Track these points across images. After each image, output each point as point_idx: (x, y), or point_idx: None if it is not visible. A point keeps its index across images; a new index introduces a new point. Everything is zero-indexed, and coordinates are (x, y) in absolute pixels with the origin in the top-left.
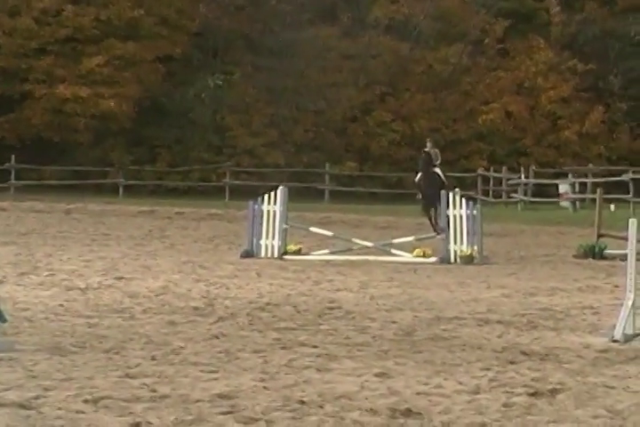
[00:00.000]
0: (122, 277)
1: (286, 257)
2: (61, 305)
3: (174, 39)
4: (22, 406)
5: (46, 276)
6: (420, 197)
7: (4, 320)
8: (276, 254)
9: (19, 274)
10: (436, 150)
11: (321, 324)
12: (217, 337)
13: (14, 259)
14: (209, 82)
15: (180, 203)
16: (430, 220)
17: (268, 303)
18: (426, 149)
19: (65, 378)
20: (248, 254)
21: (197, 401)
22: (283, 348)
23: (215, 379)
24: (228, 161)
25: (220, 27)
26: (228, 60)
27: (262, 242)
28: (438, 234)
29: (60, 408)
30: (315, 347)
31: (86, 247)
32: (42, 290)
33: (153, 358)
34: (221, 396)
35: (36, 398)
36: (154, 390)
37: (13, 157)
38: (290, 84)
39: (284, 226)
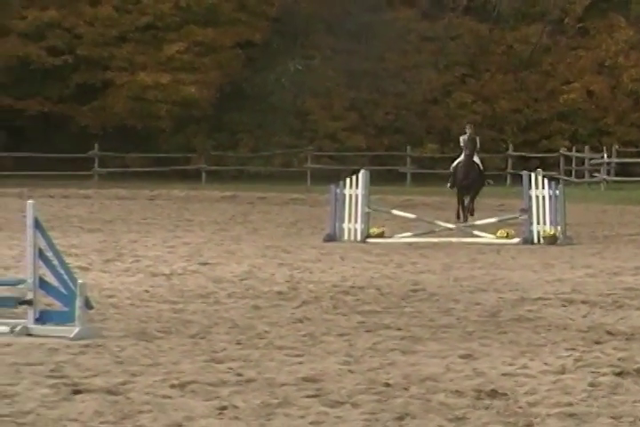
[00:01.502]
0: (206, 263)
1: (369, 240)
2: (147, 291)
3: (254, 25)
4: (110, 392)
5: (131, 262)
6: (450, 185)
7: (91, 307)
8: (358, 238)
9: (104, 261)
10: (477, 138)
11: (405, 306)
12: (301, 321)
13: (99, 246)
14: (289, 66)
15: (262, 188)
16: (461, 207)
17: (351, 287)
18: (464, 137)
19: (152, 363)
20: (331, 238)
21: (283, 385)
22: (367, 331)
23: (300, 363)
24: (309, 145)
25: (298, 11)
26: (307, 45)
27: (345, 226)
28: (465, 220)
29: (147, 393)
30: (399, 329)
31: (170, 233)
32: (127, 276)
33: (238, 343)
34: (307, 379)
35: (124, 383)
36: (240, 374)
37: (97, 145)
38: (369, 67)
39: (367, 209)
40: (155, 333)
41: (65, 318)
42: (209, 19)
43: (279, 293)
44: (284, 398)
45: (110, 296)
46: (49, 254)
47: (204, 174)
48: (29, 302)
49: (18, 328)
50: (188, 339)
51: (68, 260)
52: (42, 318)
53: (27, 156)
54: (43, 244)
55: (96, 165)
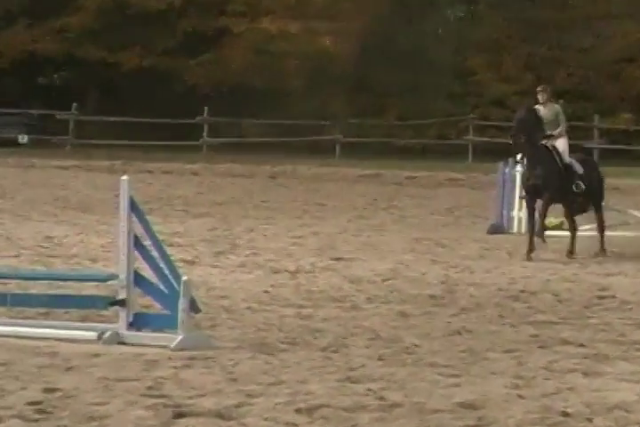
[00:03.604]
0: (340, 258)
1: (546, 233)
2: (267, 292)
3: None
4: (221, 416)
5: (248, 256)
6: (523, 193)
7: (198, 310)
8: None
9: (214, 253)
10: (556, 106)
11: (589, 317)
12: (459, 333)
13: (209, 235)
14: (448, 14)
15: (411, 165)
16: (531, 231)
17: (522, 291)
18: (539, 107)
19: (273, 382)
20: (497, 230)
21: (436, 412)
22: (541, 347)
23: (457, 384)
24: (471, 113)
25: None
26: None
27: (514, 214)
28: (540, 238)
29: (266, 419)
30: (581, 346)
31: (296, 220)
32: (243, 273)
33: (380, 358)
34: (465, 405)
35: (238, 406)
36: (382, 398)
37: (207, 108)
38: (550, 16)
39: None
40: (277, 344)
41: (165, 324)
42: None
43: (432, 297)
44: None
45: (222, 297)
46: (147, 244)
47: (338, 147)
48: (122, 303)
49: (107, 335)
50: (317, 352)
51: (170, 251)
52: (137, 323)
53: (120, 121)
54: (139, 230)
55: (205, 133)
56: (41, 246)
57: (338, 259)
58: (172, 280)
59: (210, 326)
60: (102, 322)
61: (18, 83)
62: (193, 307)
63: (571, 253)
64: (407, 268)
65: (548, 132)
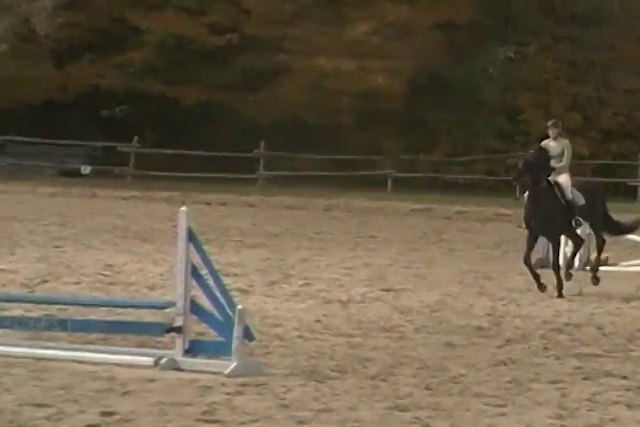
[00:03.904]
0: (390, 289)
1: (589, 268)
2: (319, 321)
3: (457, 3)
4: None
5: (301, 285)
6: (524, 225)
7: (252, 338)
8: (576, 265)
9: (268, 283)
10: (566, 141)
11: (631, 350)
12: (505, 364)
13: (263, 265)
14: (499, 54)
15: (461, 200)
16: (530, 266)
17: (566, 324)
18: (547, 142)
19: (323, 409)
20: (543, 264)
21: None
22: (585, 378)
23: (503, 414)
24: (519, 150)
25: None
26: (522, 29)
27: (560, 250)
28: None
29: None
30: (624, 378)
31: (349, 252)
32: (295, 302)
33: (427, 388)
34: None
35: None
36: (428, 426)
37: (263, 142)
38: (597, 58)
39: (587, 230)
40: (327, 372)
41: (220, 350)
42: None
43: (478, 328)
44: None
45: (275, 326)
46: (203, 273)
47: (390, 181)
48: (178, 330)
49: (164, 361)
50: (367, 380)
51: (225, 280)
52: (192, 350)
53: (179, 153)
54: (196, 260)
55: (261, 166)
56: (101, 274)
57: (388, 290)
58: (228, 308)
59: (263, 354)
60: (159, 348)
61: (82, 116)
62: (247, 335)
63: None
64: (455, 299)
65: (553, 166)
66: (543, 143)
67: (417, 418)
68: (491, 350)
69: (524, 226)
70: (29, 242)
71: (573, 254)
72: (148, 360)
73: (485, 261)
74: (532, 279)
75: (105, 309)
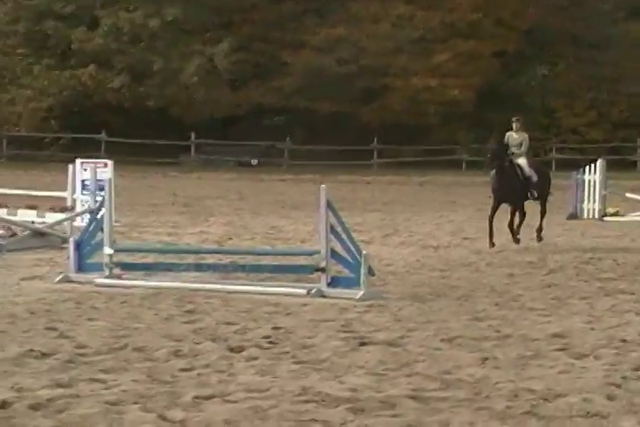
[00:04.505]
0: (468, 237)
1: (606, 219)
2: (418, 260)
3: (508, 37)
4: (390, 345)
5: (405, 237)
6: (491, 195)
7: (373, 274)
8: (596, 216)
9: (383, 236)
10: (525, 134)
11: (638, 274)
12: (549, 286)
13: (379, 223)
14: (537, 72)
15: None
16: (491, 227)
17: (591, 258)
18: (511, 133)
19: (425, 321)
20: (573, 216)
21: (535, 340)
22: (606, 295)
23: (549, 321)
24: (554, 138)
25: (546, 24)
26: (553, 53)
27: (584, 206)
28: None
29: (421, 346)
30: (632, 294)
31: (437, 213)
32: (402, 248)
33: (496, 304)
34: (555, 335)
35: (402, 337)
36: (498, 331)
37: (376, 138)
38: (608, 73)
39: (603, 192)
40: (426, 295)
41: (352, 283)
42: (470, 32)
43: (530, 262)
44: (536, 351)
45: (388, 265)
46: (338, 230)
47: (464, 164)
48: (323, 270)
49: (313, 291)
50: (454, 301)
51: (353, 235)
52: (333, 283)
53: (319, 148)
54: (333, 221)
55: (375, 156)
56: (268, 233)
57: (466, 238)
58: (356, 254)
59: (381, 284)
60: (310, 282)
61: (250, 124)
62: (370, 272)
63: (539, 231)
64: (513, 243)
65: (514, 151)
66: (507, 134)
67: (490, 326)
68: (539, 277)
69: (490, 195)
70: (218, 212)
71: (520, 223)
72: (303, 291)
73: (533, 215)
74: (566, 228)
75: (271, 256)
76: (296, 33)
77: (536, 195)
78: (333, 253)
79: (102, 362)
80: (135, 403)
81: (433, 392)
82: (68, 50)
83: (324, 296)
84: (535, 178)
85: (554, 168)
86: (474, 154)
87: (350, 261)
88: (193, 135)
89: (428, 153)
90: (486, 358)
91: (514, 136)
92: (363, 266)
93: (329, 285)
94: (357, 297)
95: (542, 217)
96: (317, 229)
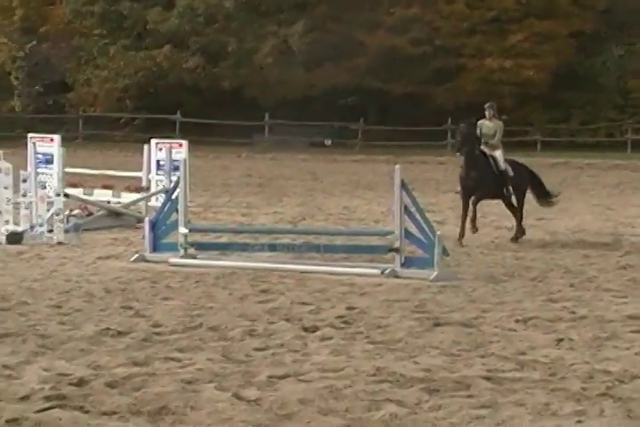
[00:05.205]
0: (542, 218)
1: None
2: (492, 241)
3: (585, 17)
4: (465, 325)
5: (479, 217)
6: (459, 189)
7: (447, 254)
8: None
9: (457, 216)
10: (499, 122)
11: None
12: (625, 268)
13: (452, 204)
14: (614, 52)
15: (589, 155)
16: (463, 220)
17: None
18: (483, 121)
19: (499, 302)
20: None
21: (611, 321)
22: None
23: (625, 303)
24: (630, 119)
25: (623, 4)
26: (630, 33)
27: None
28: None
29: (495, 327)
30: None
31: None
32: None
33: (571, 285)
34: (631, 317)
35: (476, 318)
36: (573, 312)
37: (450, 119)
38: None
39: None
40: (500, 276)
41: (426, 264)
42: (546, 12)
43: (605, 244)
44: (611, 333)
45: (464, 245)
46: (412, 210)
47: (539, 144)
48: (396, 250)
49: (387, 271)
50: (528, 282)
51: (427, 215)
52: (406, 263)
53: (392, 129)
54: (407, 201)
55: (448, 136)
56: (341, 213)
57: (541, 219)
58: (430, 234)
59: (455, 265)
60: (383, 263)
61: (324, 104)
62: (444, 252)
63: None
64: (588, 224)
65: (488, 142)
66: (480, 122)
67: (565, 307)
68: (614, 259)
69: (458, 189)
70: (292, 193)
71: (519, 223)
72: (377, 271)
73: (609, 197)
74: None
75: (345, 236)
76: (370, 13)
77: (511, 191)
78: (407, 234)
79: (177, 341)
80: (210, 382)
81: (508, 373)
82: (143, 30)
83: (397, 276)
84: (511, 173)
85: (629, 149)
86: (548, 134)
87: (424, 241)
88: (267, 116)
89: (505, 133)
90: (561, 340)
91: (487, 124)
92: (437, 246)
93: (402, 265)
94: (431, 278)
95: (519, 219)
96: (391, 210)
